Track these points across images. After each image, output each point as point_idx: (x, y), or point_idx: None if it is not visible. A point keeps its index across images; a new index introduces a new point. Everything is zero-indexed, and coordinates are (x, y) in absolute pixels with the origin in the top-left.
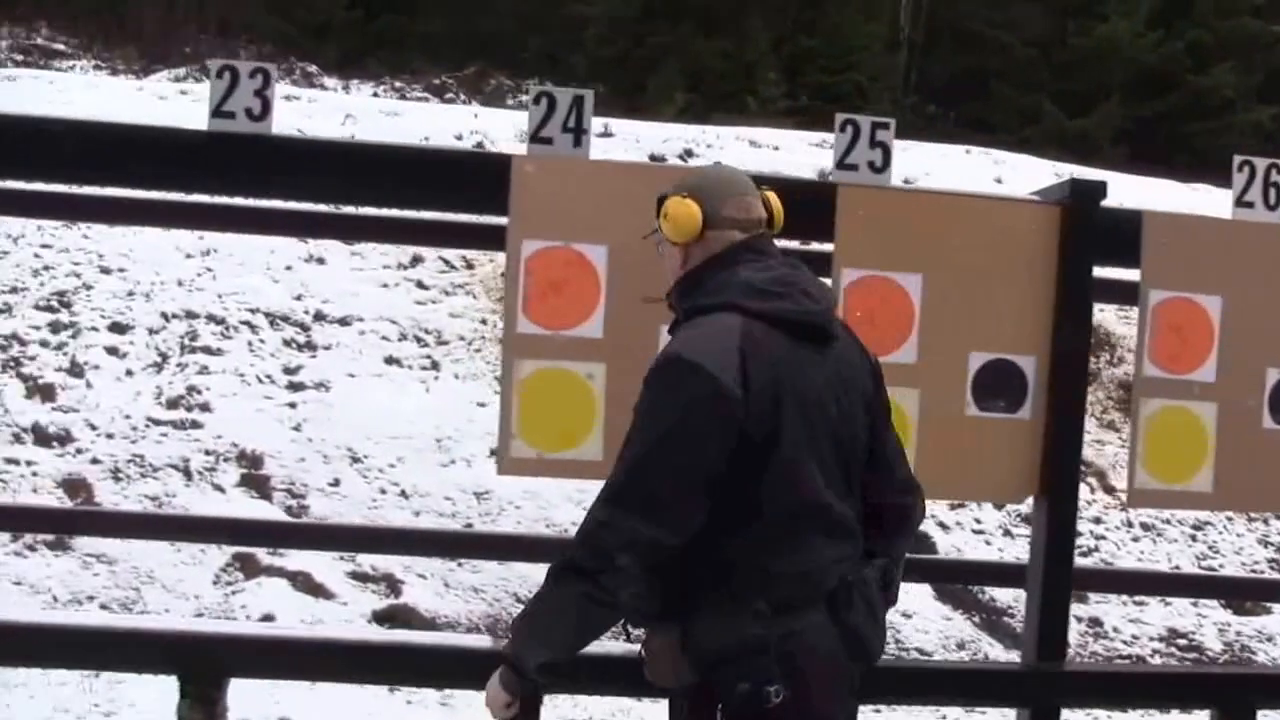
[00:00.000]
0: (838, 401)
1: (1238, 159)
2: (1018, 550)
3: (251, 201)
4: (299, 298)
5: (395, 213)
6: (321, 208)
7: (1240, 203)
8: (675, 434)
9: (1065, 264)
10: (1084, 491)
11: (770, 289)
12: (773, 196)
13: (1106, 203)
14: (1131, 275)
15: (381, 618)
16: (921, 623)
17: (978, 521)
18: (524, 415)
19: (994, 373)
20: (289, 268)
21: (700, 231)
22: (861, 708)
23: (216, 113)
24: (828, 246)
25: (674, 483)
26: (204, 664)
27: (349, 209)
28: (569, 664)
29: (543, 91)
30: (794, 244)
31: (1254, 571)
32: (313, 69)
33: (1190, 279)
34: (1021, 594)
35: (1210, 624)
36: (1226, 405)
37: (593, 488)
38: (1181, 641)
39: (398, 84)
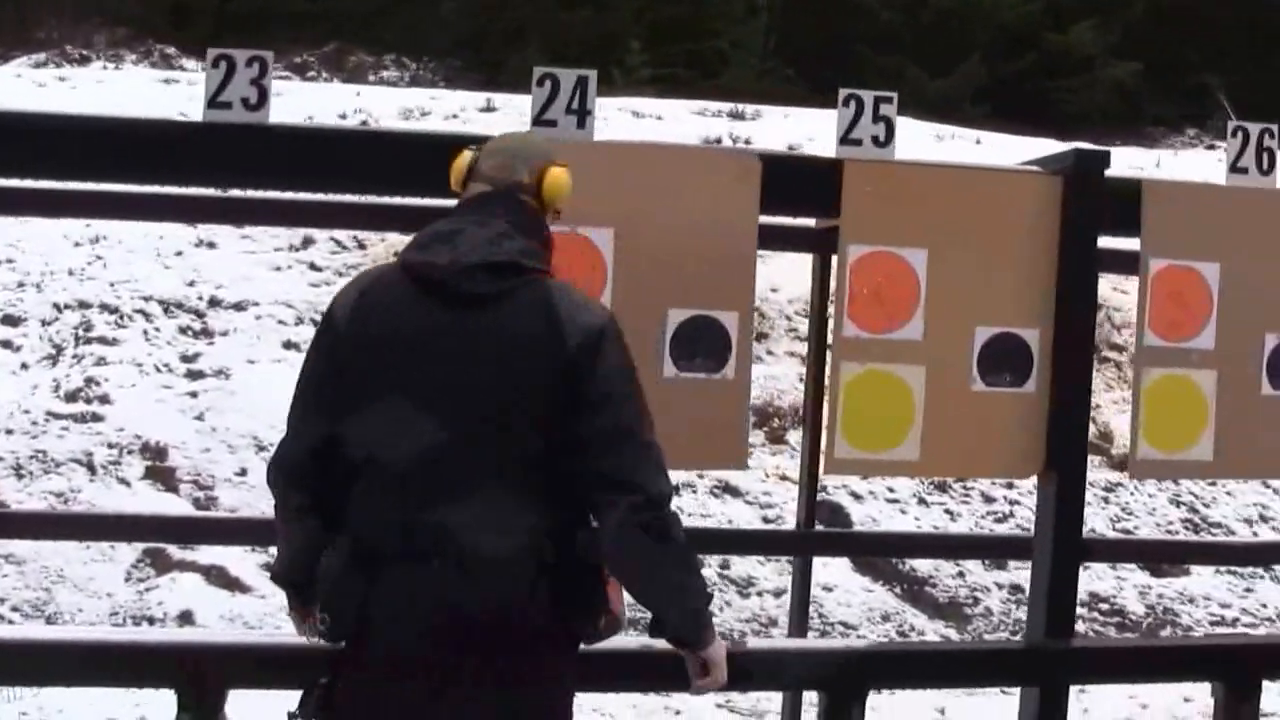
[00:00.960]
0: (464, 366)
1: (1232, 124)
2: (933, 519)
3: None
4: (192, 284)
5: (352, 198)
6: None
7: (1235, 168)
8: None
9: (1067, 234)
10: None
11: (420, 239)
12: (551, 170)
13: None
14: (1131, 244)
15: None
16: (843, 595)
17: (891, 490)
18: None
19: (999, 347)
20: (179, 253)
21: (463, 182)
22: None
23: (212, 103)
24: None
25: None
26: (203, 676)
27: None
28: None
29: (546, 74)
30: (804, 221)
31: (1169, 532)
32: (171, 51)
33: (1189, 246)
34: (941, 563)
35: (1130, 587)
36: (1226, 372)
37: None
38: (1104, 606)
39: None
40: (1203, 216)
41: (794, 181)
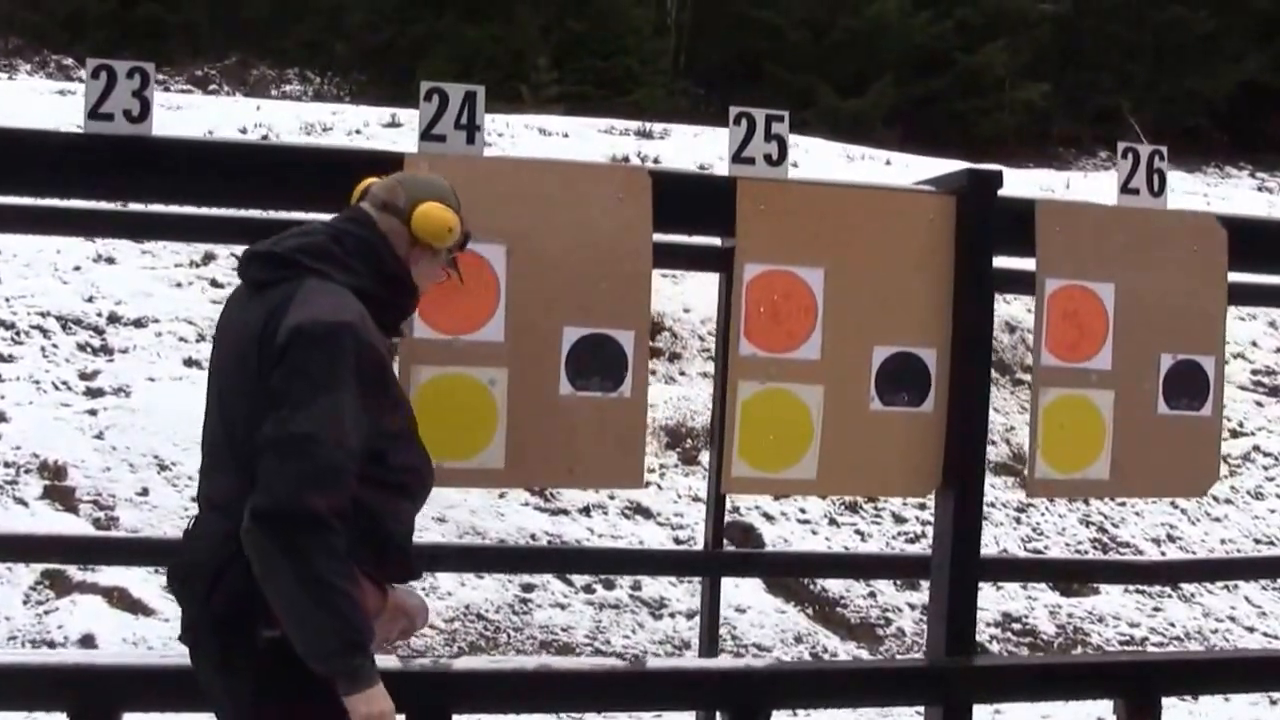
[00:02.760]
0: (224, 355)
1: (1122, 145)
2: (843, 539)
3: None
4: (90, 299)
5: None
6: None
7: (1125, 189)
8: None
9: (962, 254)
10: None
11: None
12: (425, 204)
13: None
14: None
15: None
16: (756, 617)
17: (802, 511)
18: (421, 425)
19: (897, 366)
20: (78, 268)
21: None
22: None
23: (93, 114)
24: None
25: None
26: (94, 698)
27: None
28: None
29: (434, 88)
30: (695, 239)
31: (1078, 552)
32: (69, 62)
33: (1083, 267)
34: (852, 584)
35: (1041, 607)
36: (1122, 392)
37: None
38: (1016, 626)
39: (159, 76)
40: (1096, 237)
41: (687, 199)
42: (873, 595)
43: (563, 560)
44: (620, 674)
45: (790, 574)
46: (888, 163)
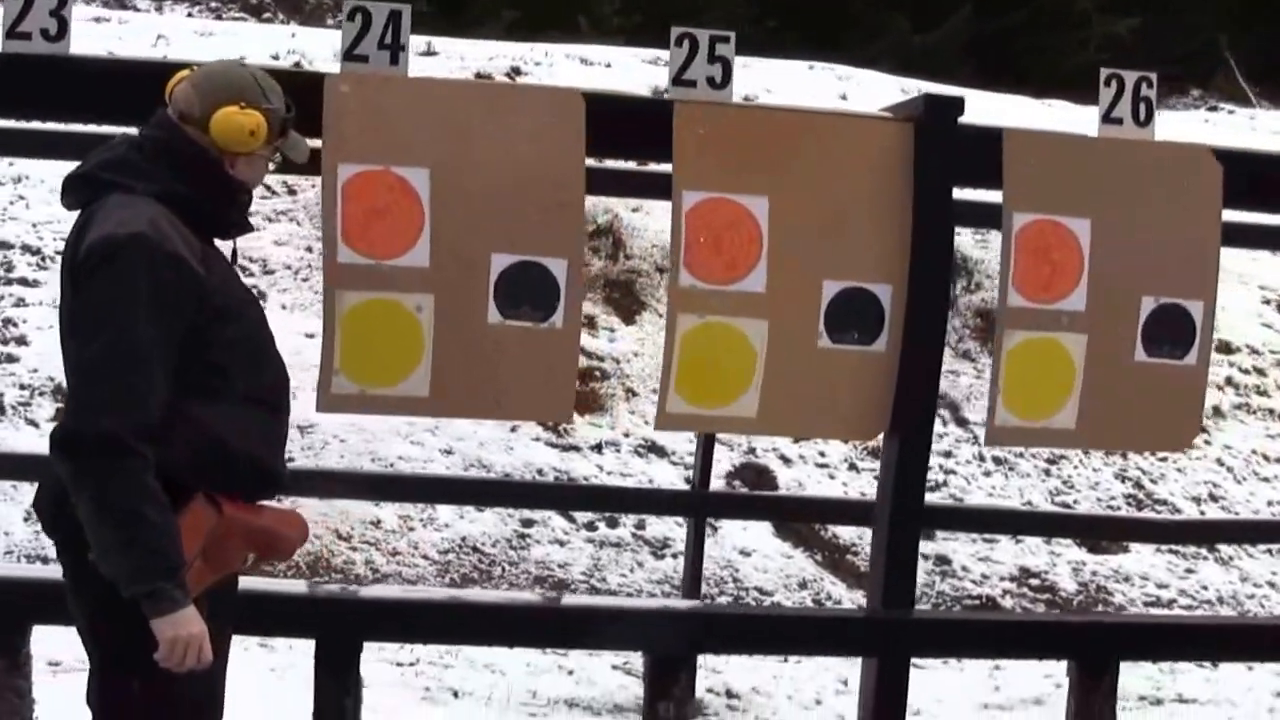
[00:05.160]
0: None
1: (1105, 72)
2: (862, 485)
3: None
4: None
5: None
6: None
7: (1108, 119)
8: None
9: (921, 185)
10: (936, 424)
11: None
12: (222, 111)
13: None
14: (993, 197)
15: None
16: (760, 561)
17: (822, 455)
18: (346, 349)
19: (848, 302)
20: None
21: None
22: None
23: (10, 33)
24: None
25: None
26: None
27: None
28: None
29: (357, 7)
30: (632, 165)
31: (1110, 508)
32: None
33: (1056, 200)
34: (866, 532)
35: (1064, 563)
36: (1097, 336)
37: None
38: (1034, 582)
39: (213, 4)
40: (1072, 169)
41: (624, 123)
42: None
43: (549, 496)
44: (534, 609)
45: (779, 518)
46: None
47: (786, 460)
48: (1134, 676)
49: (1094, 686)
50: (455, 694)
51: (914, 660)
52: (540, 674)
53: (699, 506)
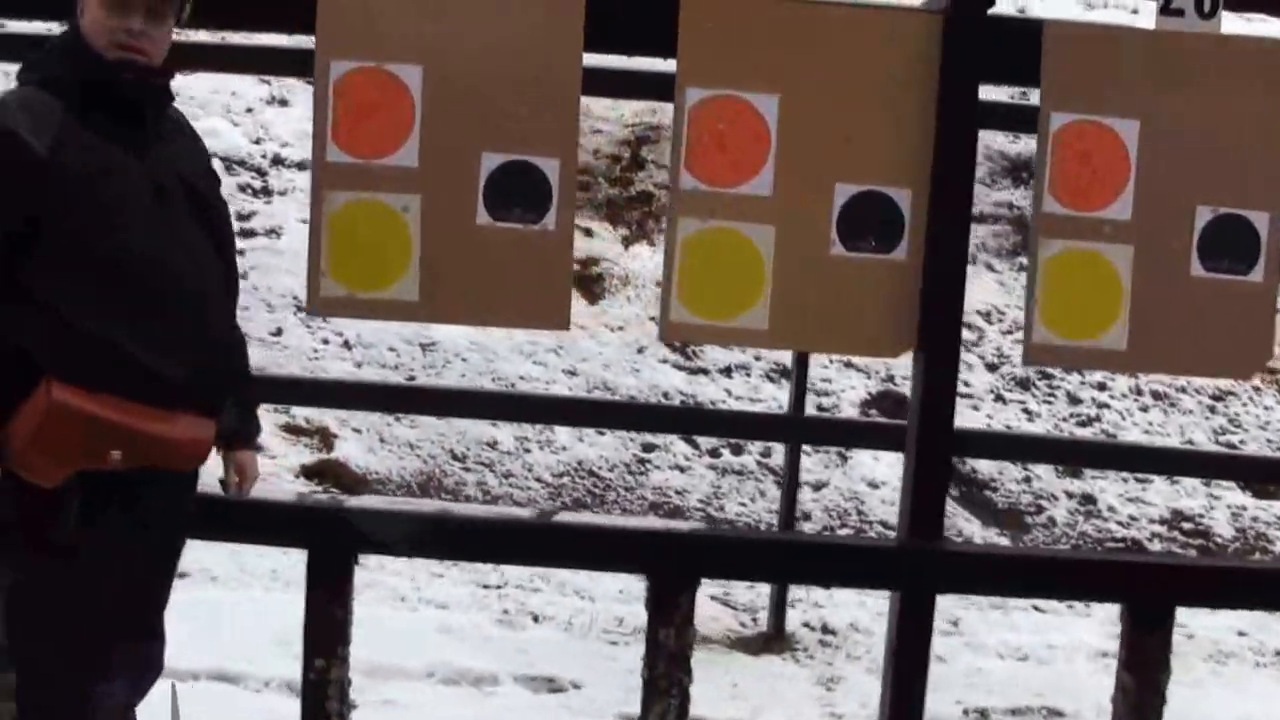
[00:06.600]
0: None
1: None
2: (1008, 416)
3: None
4: (258, 141)
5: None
6: None
7: (1167, 10)
8: None
9: (947, 82)
10: None
11: None
12: None
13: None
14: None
15: (310, 472)
16: (889, 494)
17: (966, 385)
18: (334, 251)
19: (864, 207)
20: (249, 109)
21: None
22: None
23: None
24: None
25: None
26: None
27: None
28: None
29: None
30: (635, 61)
31: None
32: None
33: (1101, 100)
34: (1009, 467)
35: (1223, 507)
36: (1146, 248)
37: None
38: (1186, 525)
39: None
40: (1120, 66)
41: (623, 16)
42: (1028, 480)
43: (631, 417)
44: (525, 525)
45: (874, 446)
46: (1134, 11)
47: None
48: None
49: (1149, 633)
50: (535, 618)
51: (1036, 604)
52: (632, 601)
53: (791, 431)
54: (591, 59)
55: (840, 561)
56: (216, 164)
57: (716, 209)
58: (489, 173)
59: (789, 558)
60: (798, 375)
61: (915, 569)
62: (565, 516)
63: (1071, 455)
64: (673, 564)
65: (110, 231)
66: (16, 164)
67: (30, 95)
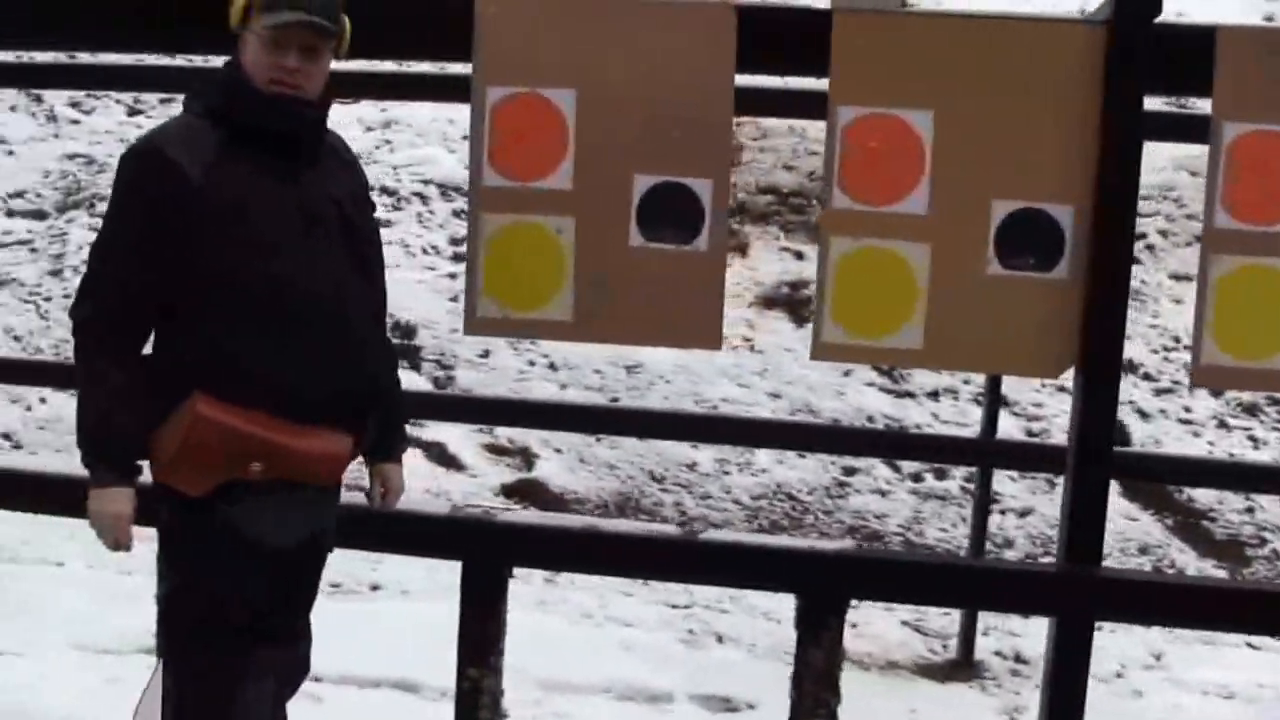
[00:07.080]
0: None
1: None
2: (1231, 444)
3: None
4: None
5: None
6: None
7: None
8: None
9: (1110, 95)
10: None
11: None
12: None
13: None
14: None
15: (510, 491)
16: None
17: (1187, 410)
18: (490, 273)
19: (1023, 225)
20: (466, 137)
21: None
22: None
23: None
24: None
25: None
26: None
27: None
28: None
29: None
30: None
31: None
32: None
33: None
34: (1228, 496)
35: None
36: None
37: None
38: None
39: None
40: None
41: (776, 36)
42: (1250, 510)
43: (826, 439)
44: (672, 541)
45: (1039, 469)
46: None
47: (1144, 414)
48: None
49: None
50: (719, 639)
51: (1251, 640)
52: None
53: (981, 455)
54: (744, 79)
55: (994, 585)
56: (432, 190)
57: (871, 228)
58: (642, 194)
59: (938, 580)
60: (990, 398)
61: (1071, 594)
62: (714, 534)
63: (1236, 481)
64: (821, 583)
65: (256, 256)
66: (174, 190)
67: (191, 123)
